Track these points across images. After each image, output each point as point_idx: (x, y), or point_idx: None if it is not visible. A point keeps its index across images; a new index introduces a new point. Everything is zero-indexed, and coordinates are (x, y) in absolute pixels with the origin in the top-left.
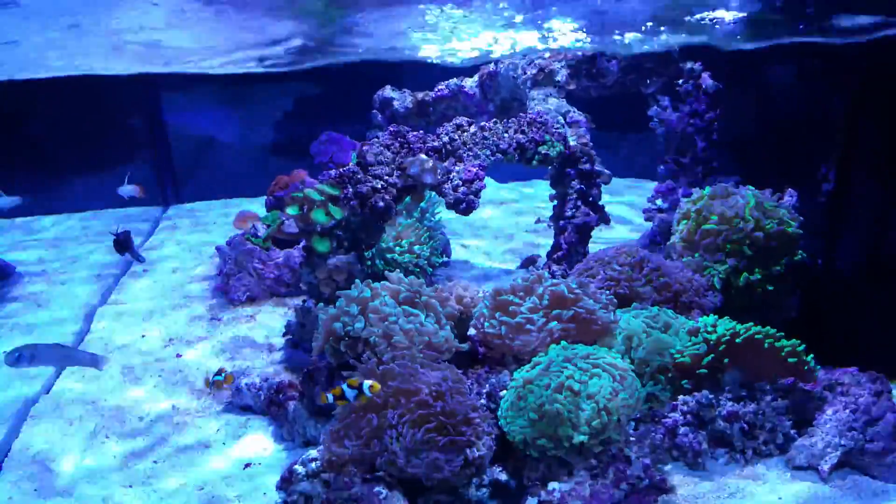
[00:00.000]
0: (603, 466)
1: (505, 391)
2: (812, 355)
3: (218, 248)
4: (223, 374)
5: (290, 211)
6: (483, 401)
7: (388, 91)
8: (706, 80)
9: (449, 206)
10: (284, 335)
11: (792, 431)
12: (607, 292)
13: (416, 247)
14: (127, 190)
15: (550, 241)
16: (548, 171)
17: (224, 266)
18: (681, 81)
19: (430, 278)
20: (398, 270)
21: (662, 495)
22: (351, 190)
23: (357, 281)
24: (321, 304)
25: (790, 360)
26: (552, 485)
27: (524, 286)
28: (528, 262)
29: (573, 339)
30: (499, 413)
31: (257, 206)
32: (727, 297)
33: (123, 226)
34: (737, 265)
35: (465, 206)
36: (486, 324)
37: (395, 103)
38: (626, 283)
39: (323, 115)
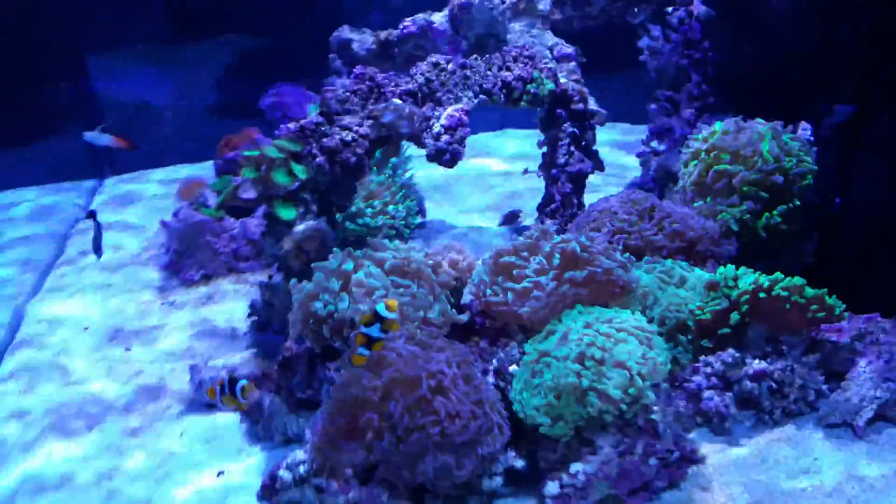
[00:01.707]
0: (630, 441)
1: (515, 366)
2: (844, 305)
3: (163, 223)
4: (239, 385)
5: (246, 174)
6: (491, 378)
7: (345, 32)
8: (698, 5)
9: (430, 158)
10: (249, 316)
11: (824, 387)
12: (619, 247)
13: (390, 207)
14: (96, 137)
15: (529, 193)
16: (537, 114)
17: (172, 242)
18: (671, 9)
19: (408, 242)
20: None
21: (693, 466)
22: (315, 145)
23: (336, 250)
24: (293, 281)
25: (819, 313)
26: (575, 466)
27: (527, 244)
28: (511, 218)
29: (588, 302)
30: (511, 395)
31: (204, 171)
32: (740, 244)
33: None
34: (754, 208)
35: (449, 156)
36: (488, 291)
37: (355, 45)
38: (636, 234)
39: (270, 67)
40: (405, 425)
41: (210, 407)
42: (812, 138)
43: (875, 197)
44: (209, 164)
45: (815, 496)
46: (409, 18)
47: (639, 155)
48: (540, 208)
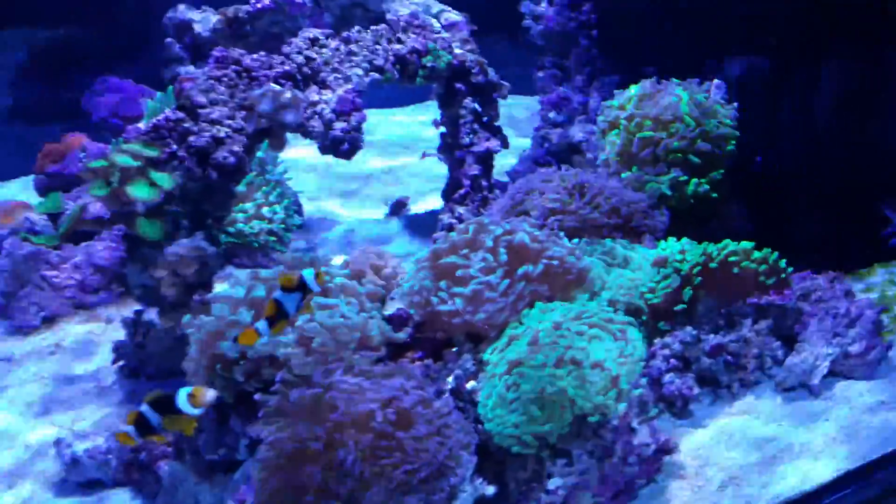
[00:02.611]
0: (608, 444)
1: (473, 382)
2: (791, 267)
3: None
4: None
5: (94, 191)
6: (448, 398)
7: (182, 11)
8: None
9: (325, 151)
10: (115, 362)
11: (779, 353)
12: (557, 230)
13: (265, 209)
14: None
15: (413, 179)
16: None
17: None
18: None
19: (290, 246)
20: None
21: (666, 457)
22: (180, 146)
23: (236, 274)
24: (188, 317)
25: (770, 277)
26: (553, 482)
27: (466, 240)
28: (398, 207)
29: (546, 298)
30: (481, 413)
31: (18, 190)
32: (670, 213)
33: None
34: (682, 176)
35: (347, 146)
36: (434, 299)
37: (197, 26)
38: (573, 215)
39: (78, 60)
40: (360, 474)
41: (90, 486)
42: (727, 96)
43: (795, 152)
44: (24, 180)
45: (783, 460)
46: None
47: (536, 129)
48: (446, 195)
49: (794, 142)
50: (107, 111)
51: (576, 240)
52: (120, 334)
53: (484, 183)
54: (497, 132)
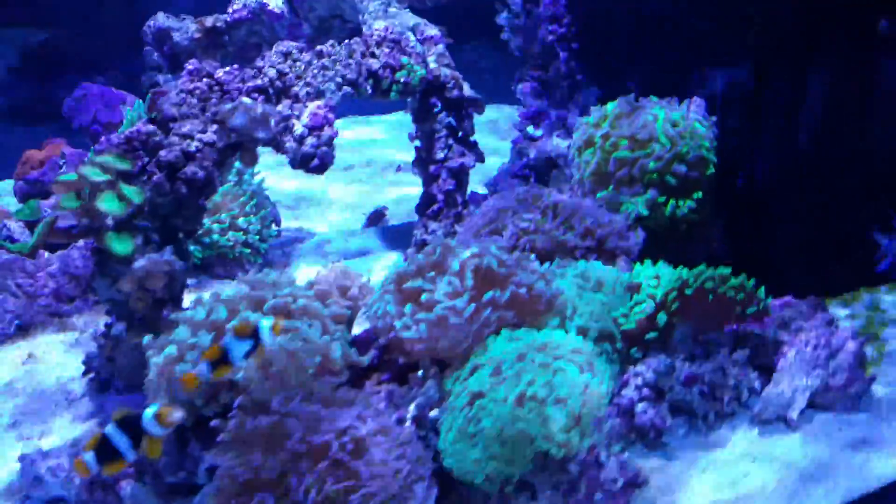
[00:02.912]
0: (573, 478)
1: (436, 410)
2: (771, 296)
3: None
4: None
5: (65, 203)
6: (409, 426)
7: (161, 19)
8: None
9: (296, 166)
10: (85, 374)
11: (756, 384)
12: (529, 252)
13: (240, 220)
14: None
15: (389, 190)
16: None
17: None
18: None
19: (266, 257)
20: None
21: (636, 490)
22: (150, 159)
23: (201, 296)
24: (148, 338)
25: (749, 307)
26: None
27: (432, 263)
28: (376, 218)
29: (513, 325)
30: (441, 447)
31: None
32: (647, 234)
33: None
34: (658, 197)
35: (318, 162)
36: (398, 323)
37: (176, 35)
38: (545, 236)
39: (60, 64)
40: (314, 501)
41: None
42: (707, 113)
43: (778, 170)
44: (4, 185)
45: (758, 499)
46: (240, 0)
47: (514, 143)
48: (420, 210)
49: (778, 159)
50: (87, 118)
51: (548, 262)
52: (93, 344)
53: (458, 198)
54: (472, 147)
